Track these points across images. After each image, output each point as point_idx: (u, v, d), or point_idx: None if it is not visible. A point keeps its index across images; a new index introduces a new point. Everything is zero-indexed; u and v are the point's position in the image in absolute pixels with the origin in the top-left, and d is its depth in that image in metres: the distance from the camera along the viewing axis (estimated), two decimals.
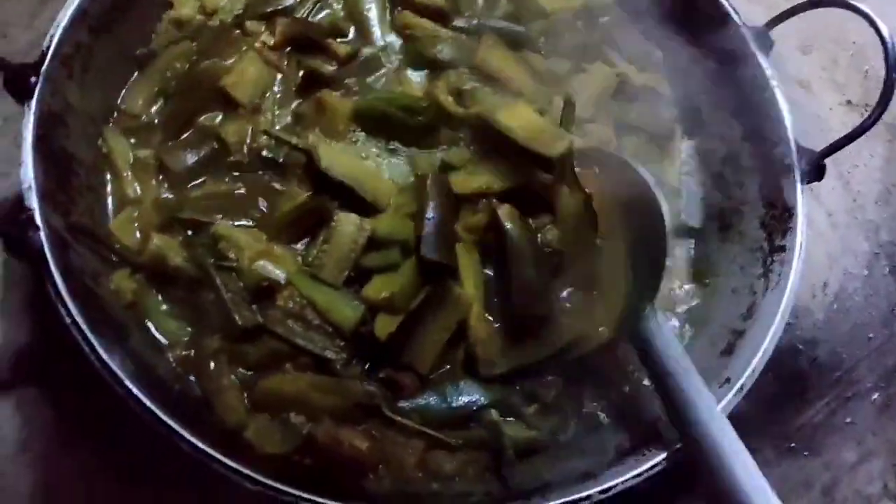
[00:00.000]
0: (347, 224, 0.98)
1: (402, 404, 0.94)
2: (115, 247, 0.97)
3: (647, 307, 0.95)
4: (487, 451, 0.95)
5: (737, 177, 1.15)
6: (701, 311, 1.10)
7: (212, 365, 0.93)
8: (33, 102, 0.91)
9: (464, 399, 0.95)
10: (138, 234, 0.99)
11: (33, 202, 0.86)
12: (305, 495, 0.80)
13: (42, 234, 0.85)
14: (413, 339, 0.94)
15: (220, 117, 1.06)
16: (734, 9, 1.13)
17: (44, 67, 0.93)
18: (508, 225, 0.96)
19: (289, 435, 0.92)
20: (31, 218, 0.86)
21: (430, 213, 0.96)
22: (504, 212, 0.97)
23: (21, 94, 0.92)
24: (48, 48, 0.94)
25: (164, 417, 0.80)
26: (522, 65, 1.11)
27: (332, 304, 0.95)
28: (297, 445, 0.91)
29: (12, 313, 1.02)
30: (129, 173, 1.03)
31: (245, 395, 0.93)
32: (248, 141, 1.05)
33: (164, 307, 0.97)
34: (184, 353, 0.95)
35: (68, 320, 0.82)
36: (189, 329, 0.96)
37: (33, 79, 0.92)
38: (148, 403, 0.79)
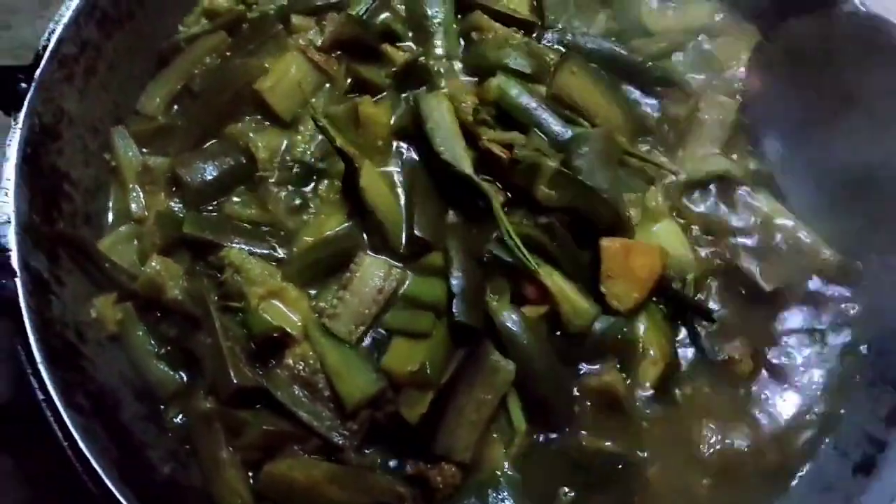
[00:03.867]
0: (374, 268, 0.84)
1: None
2: (106, 265, 0.85)
3: None
4: None
5: None
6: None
7: (206, 432, 0.80)
8: (21, 115, 0.79)
9: None
10: (135, 256, 0.88)
11: (11, 241, 0.74)
12: None
13: (18, 282, 0.72)
14: (446, 422, 0.79)
15: (250, 126, 0.93)
16: None
17: (38, 71, 0.80)
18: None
19: None
20: (7, 262, 0.73)
21: (456, 273, 0.81)
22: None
23: (8, 104, 0.79)
24: (45, 48, 0.82)
25: None
26: (611, 95, 0.95)
27: (344, 366, 0.80)
28: None
29: None
30: (136, 185, 0.91)
31: (249, 476, 0.80)
32: (282, 155, 0.92)
33: (151, 345, 0.84)
34: (176, 413, 0.83)
35: (41, 396, 0.69)
36: (179, 380, 0.83)
37: (23, 85, 0.79)
38: None
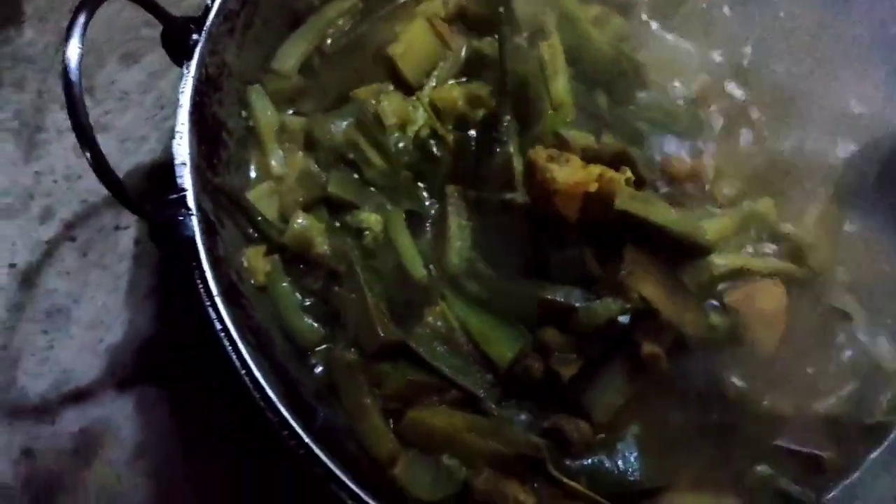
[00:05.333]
0: None
1: (569, 463, 0.84)
2: (258, 218, 0.90)
3: None
4: None
5: None
6: None
7: (349, 381, 0.85)
8: (193, 64, 0.84)
9: (640, 470, 0.84)
10: (276, 212, 0.93)
11: (187, 181, 0.79)
12: None
13: (195, 219, 0.78)
14: (595, 385, 0.84)
15: (378, 90, 0.98)
16: None
17: (207, 23, 0.86)
18: None
19: (442, 480, 0.83)
20: (184, 200, 0.79)
21: None
22: None
23: (179, 53, 0.85)
24: (213, 1, 0.87)
25: (321, 455, 0.72)
26: None
27: (488, 328, 0.86)
28: (450, 494, 0.82)
29: (138, 301, 0.97)
30: (274, 144, 0.96)
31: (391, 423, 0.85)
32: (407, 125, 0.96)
33: (296, 297, 0.89)
34: (319, 361, 0.88)
35: (219, 326, 0.75)
36: (322, 331, 0.89)
37: (195, 36, 0.85)
38: (305, 438, 0.71)
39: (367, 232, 0.90)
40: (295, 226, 0.89)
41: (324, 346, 0.88)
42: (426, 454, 0.84)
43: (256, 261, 0.89)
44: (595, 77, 0.97)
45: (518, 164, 0.87)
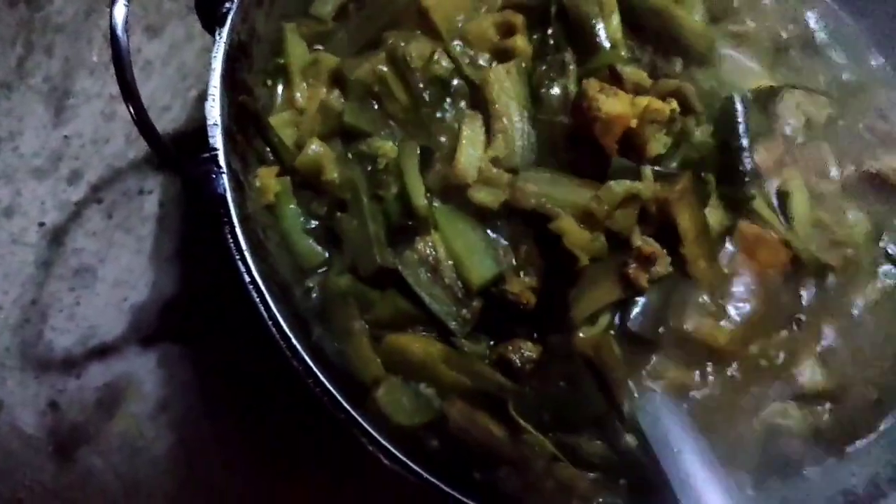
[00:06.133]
0: None
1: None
2: (274, 140, 0.94)
3: None
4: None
5: None
6: None
7: (341, 306, 0.89)
8: (225, 31, 0.88)
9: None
10: (292, 140, 0.97)
11: (219, 142, 0.83)
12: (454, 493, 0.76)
13: (225, 178, 0.82)
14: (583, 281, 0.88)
15: (405, 36, 1.01)
16: None
17: None
18: None
19: (419, 407, 0.87)
20: (216, 158, 0.83)
21: None
22: None
23: (212, 21, 0.89)
24: None
25: (343, 402, 0.76)
26: None
27: (470, 251, 0.90)
28: (426, 421, 0.86)
29: (161, 262, 1.02)
30: (300, 78, 0.99)
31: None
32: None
33: (301, 220, 0.94)
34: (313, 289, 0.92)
35: (247, 279, 0.79)
36: (321, 255, 0.93)
37: (227, 5, 0.89)
38: (328, 386, 0.76)
39: (380, 158, 0.94)
40: (309, 151, 0.93)
41: (321, 272, 0.92)
42: (406, 381, 0.87)
43: (268, 179, 0.92)
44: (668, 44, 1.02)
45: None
